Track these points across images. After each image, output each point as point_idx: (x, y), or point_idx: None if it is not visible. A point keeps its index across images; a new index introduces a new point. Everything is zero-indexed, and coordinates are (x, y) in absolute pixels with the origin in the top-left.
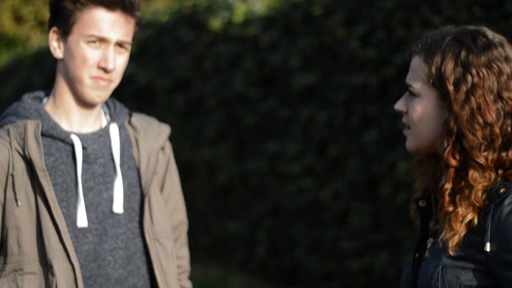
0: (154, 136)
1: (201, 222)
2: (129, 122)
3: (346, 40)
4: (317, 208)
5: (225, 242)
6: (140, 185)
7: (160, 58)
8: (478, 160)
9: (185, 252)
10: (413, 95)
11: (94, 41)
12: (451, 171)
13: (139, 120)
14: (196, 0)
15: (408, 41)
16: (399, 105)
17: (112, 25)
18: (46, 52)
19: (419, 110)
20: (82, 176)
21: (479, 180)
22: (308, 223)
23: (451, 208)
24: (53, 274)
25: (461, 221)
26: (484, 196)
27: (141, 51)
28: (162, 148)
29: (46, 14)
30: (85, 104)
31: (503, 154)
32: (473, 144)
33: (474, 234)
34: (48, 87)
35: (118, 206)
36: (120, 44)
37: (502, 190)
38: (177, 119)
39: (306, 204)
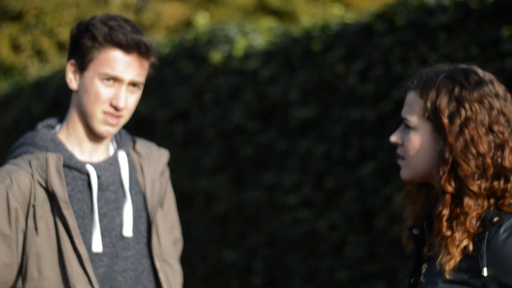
0: (155, 161)
1: (198, 250)
2: (134, 148)
3: (345, 76)
4: (313, 238)
5: (221, 271)
6: (146, 209)
7: (160, 90)
8: (472, 188)
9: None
10: (409, 128)
11: (108, 79)
12: (448, 197)
13: (142, 146)
14: (197, 33)
15: (406, 77)
16: (395, 138)
17: (126, 66)
18: (45, 82)
19: (415, 142)
20: (97, 203)
21: (473, 208)
22: (305, 253)
23: (449, 233)
24: None
25: (458, 246)
26: (478, 224)
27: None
28: (162, 172)
29: (43, 43)
30: (95, 135)
31: (495, 183)
32: (467, 173)
33: (469, 259)
34: (47, 116)
35: (128, 230)
36: (133, 84)
37: (495, 219)
38: (176, 149)
39: (302, 234)
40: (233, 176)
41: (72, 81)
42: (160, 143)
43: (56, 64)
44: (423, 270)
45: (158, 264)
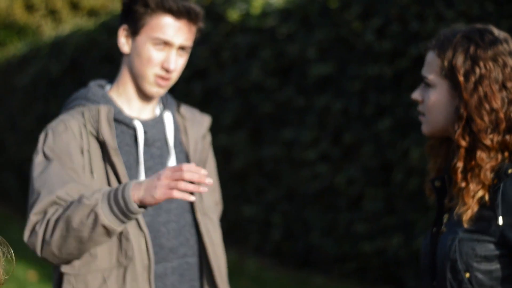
0: (198, 125)
1: None
2: (178, 111)
3: (362, 33)
4: (331, 193)
5: (241, 226)
6: None
7: None
8: (484, 142)
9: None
10: (428, 85)
11: (159, 44)
12: (462, 151)
13: (186, 109)
14: None
15: (422, 34)
16: (416, 95)
17: (176, 31)
18: (63, 42)
19: (434, 99)
20: (143, 156)
21: (486, 160)
22: (323, 207)
23: (463, 184)
24: (128, 240)
25: (473, 197)
26: (492, 175)
27: None
28: (204, 136)
29: (57, 3)
30: (145, 95)
31: (507, 137)
32: (481, 128)
33: (486, 209)
34: (65, 76)
35: None
36: (182, 48)
37: (510, 171)
38: (195, 107)
39: (320, 189)
40: (251, 133)
41: (125, 45)
42: (179, 101)
43: (71, 24)
44: (444, 220)
45: (199, 217)
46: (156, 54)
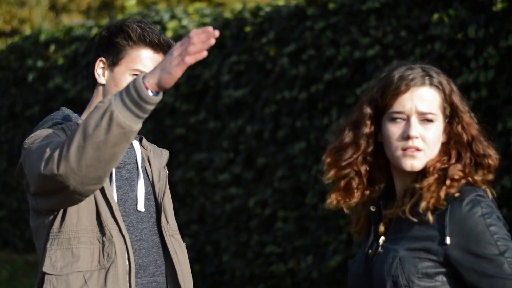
0: (159, 157)
1: None
2: (141, 143)
3: (276, 57)
4: (244, 215)
5: None
6: (154, 193)
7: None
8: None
9: None
10: (430, 121)
11: (137, 75)
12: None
13: (147, 142)
14: (126, 15)
15: (337, 60)
16: (417, 132)
17: (154, 64)
18: None
19: (436, 133)
20: (114, 176)
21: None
22: (235, 229)
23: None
24: (111, 242)
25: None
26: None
27: (70, 63)
28: (164, 168)
29: None
30: None
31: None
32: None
33: (431, 230)
34: None
35: (140, 205)
36: None
37: (457, 194)
38: None
39: (233, 211)
40: None
41: (100, 76)
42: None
43: None
44: (381, 243)
45: (167, 239)
46: None
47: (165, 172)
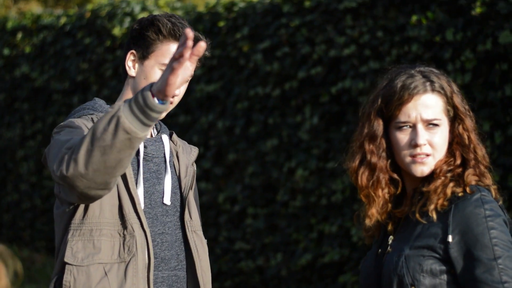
0: (188, 153)
1: None
2: (170, 138)
3: (250, 54)
4: (213, 211)
5: None
6: (180, 187)
7: (57, 61)
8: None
9: None
10: (436, 126)
11: None
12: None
13: (177, 138)
14: (95, 5)
15: (312, 58)
16: (424, 139)
17: None
18: None
19: (443, 138)
20: (142, 168)
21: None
22: (203, 225)
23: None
24: (133, 236)
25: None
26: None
27: (37, 52)
28: (192, 164)
29: None
30: None
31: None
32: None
33: (434, 227)
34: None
35: (167, 199)
36: None
37: (460, 194)
38: None
39: (202, 206)
40: None
41: (131, 69)
42: (57, 114)
43: None
44: (390, 241)
45: (189, 234)
46: None
47: (192, 168)
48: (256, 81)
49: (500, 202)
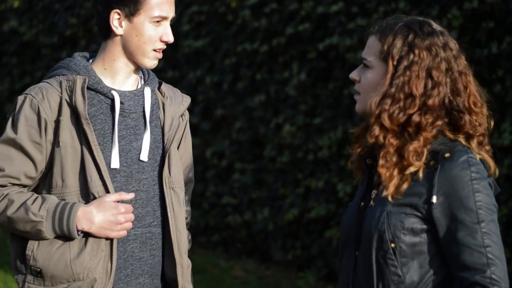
0: (177, 104)
1: None
2: (159, 89)
3: (238, 9)
4: (200, 165)
5: None
6: (163, 142)
7: (46, 16)
8: (383, 122)
9: (189, 207)
10: (367, 67)
11: (157, 20)
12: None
13: (167, 88)
14: None
15: (300, 14)
16: (354, 75)
17: (170, 5)
18: None
19: (371, 79)
20: (117, 125)
21: (379, 137)
22: None
23: (382, 161)
24: None
25: (388, 174)
26: (429, 156)
27: (25, 6)
28: (182, 115)
29: None
30: (132, 69)
31: (417, 117)
32: (387, 108)
33: (418, 186)
34: None
35: (144, 155)
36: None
37: (447, 155)
38: None
39: None
40: None
41: (118, 28)
42: (46, 68)
43: None
44: (373, 195)
45: (166, 190)
46: (155, 31)
47: (181, 120)
48: (244, 37)
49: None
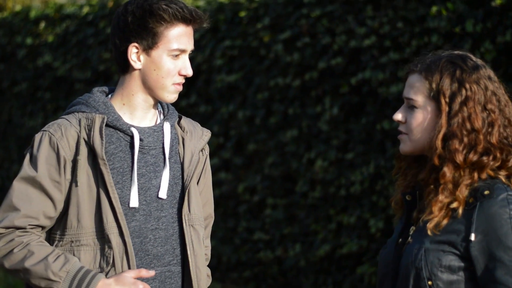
0: (197, 138)
1: None
2: (179, 123)
3: (271, 44)
4: (232, 200)
5: None
6: (182, 178)
7: (80, 50)
8: (456, 160)
9: (209, 242)
10: (413, 107)
11: (176, 54)
12: (429, 165)
13: (187, 122)
14: None
15: (332, 48)
16: (398, 116)
17: (188, 38)
18: None
19: (420, 119)
20: (137, 163)
21: (448, 176)
22: (223, 215)
23: (432, 195)
24: (110, 248)
25: (441, 208)
26: (467, 193)
27: (60, 41)
28: (203, 149)
29: None
30: (151, 104)
31: (484, 158)
32: (457, 146)
33: (457, 223)
34: None
35: (163, 192)
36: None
37: (486, 192)
38: None
39: (222, 196)
40: None
41: (136, 62)
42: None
43: None
44: (411, 232)
45: (186, 228)
46: (173, 65)
47: (201, 155)
48: (277, 72)
49: None
